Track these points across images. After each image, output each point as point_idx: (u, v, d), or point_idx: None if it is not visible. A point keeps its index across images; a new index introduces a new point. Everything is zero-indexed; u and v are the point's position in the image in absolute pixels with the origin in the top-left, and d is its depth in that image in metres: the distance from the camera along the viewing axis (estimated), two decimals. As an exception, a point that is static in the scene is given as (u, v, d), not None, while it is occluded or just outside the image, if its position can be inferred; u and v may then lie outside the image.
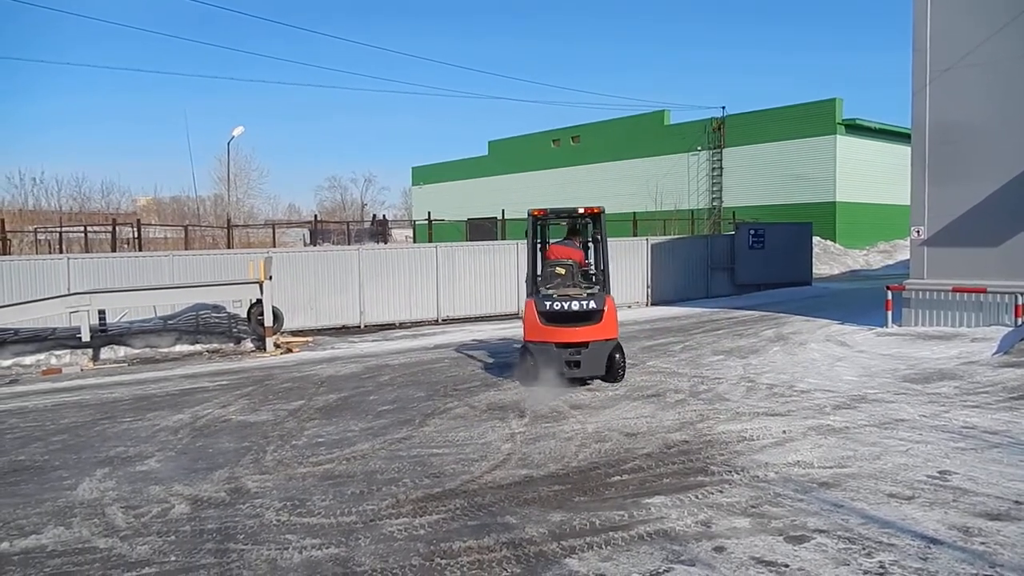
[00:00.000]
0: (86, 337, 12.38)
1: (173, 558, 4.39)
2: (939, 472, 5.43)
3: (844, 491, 5.09)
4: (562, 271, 9.25)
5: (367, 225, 35.64)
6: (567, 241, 9.95)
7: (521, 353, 9.35)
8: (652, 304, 19.79)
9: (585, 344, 8.65)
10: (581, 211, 9.48)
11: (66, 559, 4.44)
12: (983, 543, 4.19)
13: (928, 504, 4.80)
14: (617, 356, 8.88)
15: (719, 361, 10.59)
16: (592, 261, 9.96)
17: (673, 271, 20.67)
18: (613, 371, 8.88)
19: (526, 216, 9.59)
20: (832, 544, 4.23)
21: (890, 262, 31.81)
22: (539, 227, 10.09)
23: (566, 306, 8.69)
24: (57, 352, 12.76)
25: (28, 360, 12.56)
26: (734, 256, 21.87)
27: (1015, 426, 6.59)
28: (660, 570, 3.97)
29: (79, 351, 12.73)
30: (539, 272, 9.63)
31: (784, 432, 6.63)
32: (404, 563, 4.17)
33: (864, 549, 4.15)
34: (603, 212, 9.41)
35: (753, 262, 21.96)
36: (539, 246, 10.03)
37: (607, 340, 8.77)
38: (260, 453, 6.62)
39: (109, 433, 7.56)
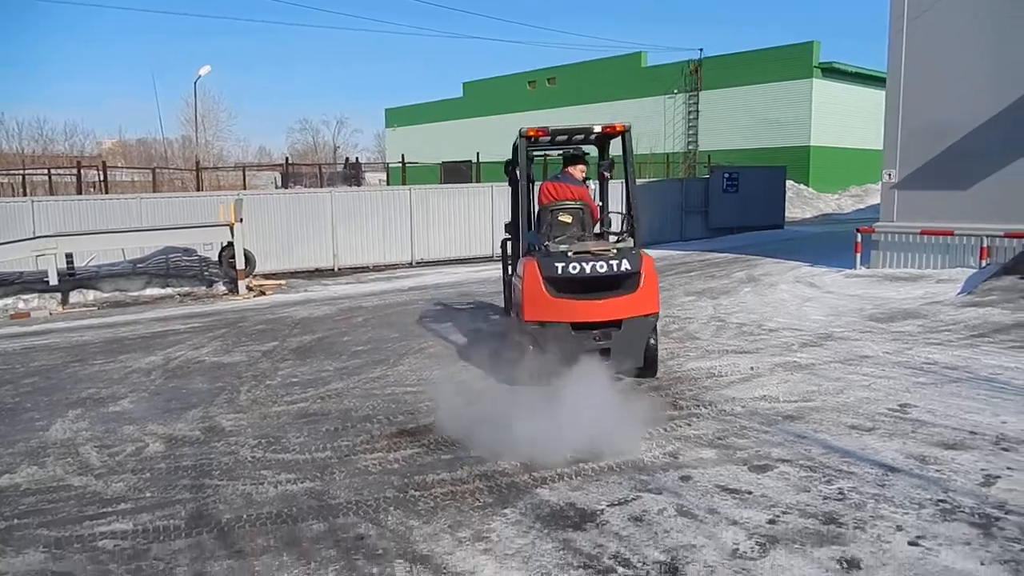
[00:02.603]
0: (54, 281, 12.19)
1: (149, 494, 4.43)
2: (899, 405, 5.60)
3: (807, 423, 5.24)
4: (568, 218, 6.73)
5: (340, 168, 35.13)
6: (564, 176, 7.07)
7: (517, 339, 6.56)
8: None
9: (617, 323, 6.09)
10: (598, 130, 6.72)
11: (40, 497, 4.46)
12: (938, 470, 4.36)
13: (887, 435, 4.97)
14: (652, 341, 6.38)
15: (690, 302, 10.73)
16: (603, 203, 7.70)
17: (647, 214, 20.58)
18: (652, 360, 6.45)
19: (517, 137, 6.81)
20: (794, 472, 4.37)
21: (861, 206, 32.18)
22: (532, 155, 7.43)
23: (588, 269, 6.05)
24: (25, 296, 12.56)
25: (-6, 304, 12.36)
26: (708, 199, 21.95)
27: (974, 362, 6.79)
28: (628, 498, 4.09)
29: (47, 295, 12.54)
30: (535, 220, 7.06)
31: (752, 369, 6.78)
32: (379, 495, 4.25)
33: (824, 477, 4.30)
34: (629, 131, 6.67)
35: (727, 206, 22.07)
36: (531, 183, 7.40)
37: (646, 316, 6.21)
38: (234, 393, 6.64)
39: (80, 375, 7.52)
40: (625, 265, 6.09)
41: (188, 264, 14.48)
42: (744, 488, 4.18)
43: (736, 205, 22.17)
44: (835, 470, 4.39)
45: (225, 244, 13.53)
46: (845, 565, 3.31)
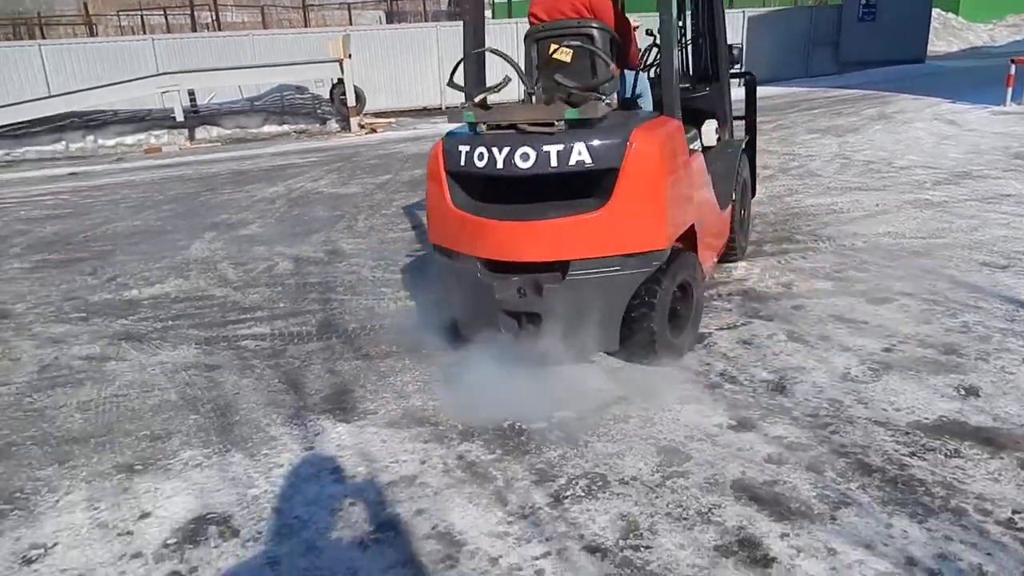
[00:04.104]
0: (180, 117, 12.78)
1: (282, 305, 4.81)
2: (1040, 244, 5.22)
3: (935, 259, 4.98)
4: (565, 55, 3.58)
5: (444, 6, 34.08)
6: None
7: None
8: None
9: (557, 268, 3.34)
10: None
11: (188, 303, 4.93)
12: (1077, 308, 4.10)
13: (1023, 272, 4.68)
14: (655, 300, 3.41)
15: (813, 139, 10.11)
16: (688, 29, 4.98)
17: (769, 48, 19.18)
18: (652, 337, 3.47)
19: None
20: (916, 306, 4.22)
21: (1018, 38, 28.59)
22: None
23: (499, 159, 3.32)
24: (155, 132, 13.30)
25: (130, 140, 13.17)
26: (840, 30, 20.07)
27: None
28: (738, 323, 4.10)
29: (175, 131, 13.22)
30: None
31: (877, 205, 6.42)
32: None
33: (948, 311, 4.13)
34: None
35: (861, 37, 20.12)
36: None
37: (628, 258, 3.31)
38: (352, 220, 6.93)
39: (212, 203, 8.02)
40: (579, 155, 3.19)
41: (302, 102, 14.77)
42: (860, 318, 4.09)
43: (871, 36, 20.16)
44: (961, 304, 4.21)
45: (336, 81, 13.67)
46: (963, 392, 3.25)
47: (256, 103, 14.47)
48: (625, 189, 3.22)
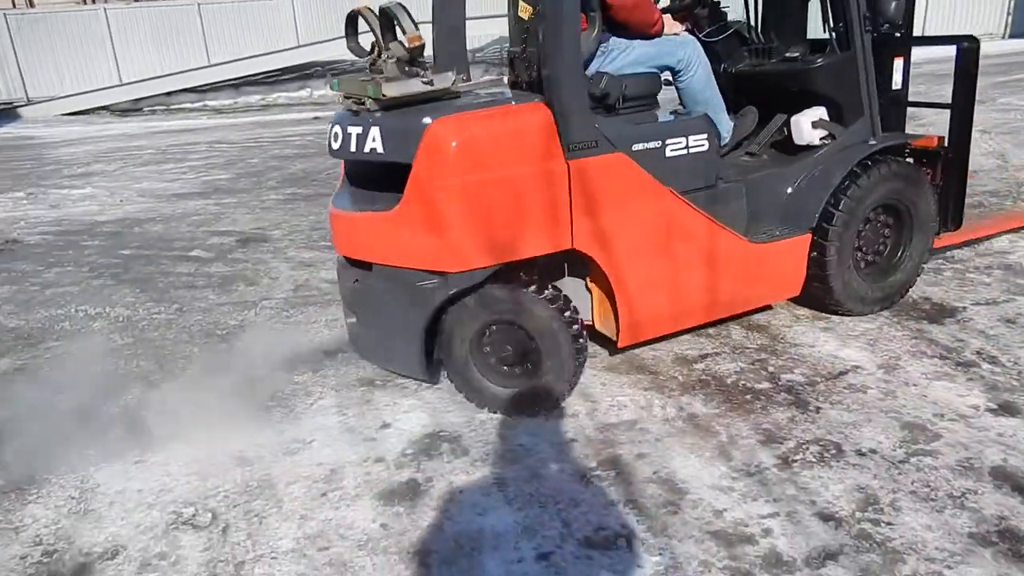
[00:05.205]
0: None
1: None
2: None
3: None
4: (525, 14, 2.98)
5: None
6: None
7: None
8: (1011, 36, 16.33)
9: (366, 267, 2.96)
10: None
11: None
12: None
13: None
14: (433, 329, 2.88)
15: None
16: None
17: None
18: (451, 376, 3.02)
19: None
20: None
21: None
22: None
23: (330, 135, 3.00)
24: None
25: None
26: None
27: None
28: (999, 299, 3.65)
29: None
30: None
31: None
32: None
33: None
34: None
35: None
36: None
37: (434, 275, 2.76)
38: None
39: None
40: (373, 142, 2.72)
41: (520, 53, 15.04)
42: None
43: None
44: None
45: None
46: None
47: (477, 54, 14.93)
48: (414, 190, 2.65)
